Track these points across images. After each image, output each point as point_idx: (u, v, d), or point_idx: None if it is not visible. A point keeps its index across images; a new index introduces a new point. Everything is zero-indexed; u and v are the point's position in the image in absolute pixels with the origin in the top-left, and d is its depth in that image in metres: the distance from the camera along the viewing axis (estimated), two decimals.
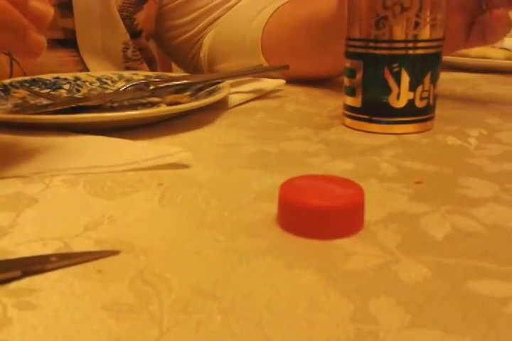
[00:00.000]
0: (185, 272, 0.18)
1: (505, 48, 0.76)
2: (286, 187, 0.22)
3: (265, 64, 0.57)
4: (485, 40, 0.48)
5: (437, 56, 0.37)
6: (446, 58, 0.70)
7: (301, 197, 0.21)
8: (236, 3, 0.67)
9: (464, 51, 0.70)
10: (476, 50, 0.69)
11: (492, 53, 0.69)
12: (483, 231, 0.21)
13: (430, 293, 0.17)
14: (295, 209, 0.21)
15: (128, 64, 0.64)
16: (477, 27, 0.48)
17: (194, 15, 0.67)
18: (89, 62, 0.59)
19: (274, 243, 0.21)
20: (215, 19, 0.67)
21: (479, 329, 0.15)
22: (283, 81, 0.53)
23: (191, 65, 0.71)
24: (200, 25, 0.67)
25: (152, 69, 0.71)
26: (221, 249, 0.20)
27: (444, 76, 0.66)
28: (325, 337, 0.15)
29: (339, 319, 0.16)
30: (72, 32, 0.57)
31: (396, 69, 0.36)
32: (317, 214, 0.20)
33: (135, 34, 0.64)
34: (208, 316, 0.16)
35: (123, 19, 0.60)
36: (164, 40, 0.72)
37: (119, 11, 0.59)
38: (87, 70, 0.59)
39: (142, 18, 0.63)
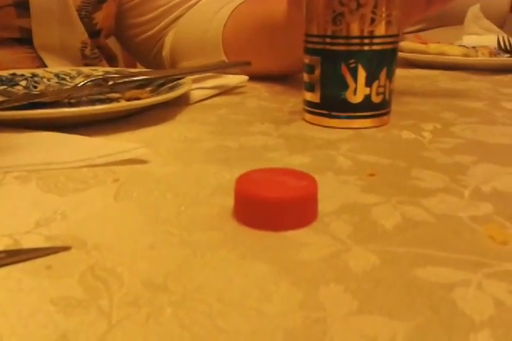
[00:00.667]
0: (137, 266, 0.18)
1: (464, 46, 0.78)
2: (242, 180, 0.22)
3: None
4: (446, 1, 0.48)
5: (393, 52, 0.38)
6: (406, 55, 0.71)
7: (255, 190, 0.21)
8: (197, 2, 0.67)
9: (422, 48, 0.72)
10: (434, 47, 0.71)
11: (451, 50, 0.70)
12: (432, 221, 0.22)
13: (378, 280, 0.17)
14: (249, 202, 0.21)
15: (86, 61, 0.63)
16: None
17: (155, 13, 0.66)
18: (47, 60, 0.58)
19: (229, 236, 0.21)
20: (177, 18, 0.66)
21: (424, 315, 0.16)
22: (246, 77, 0.53)
23: (154, 63, 0.71)
24: (161, 24, 0.66)
25: (113, 66, 0.70)
26: (175, 243, 0.20)
27: (404, 72, 0.67)
28: (274, 326, 0.15)
29: (288, 307, 0.16)
30: (29, 31, 0.56)
31: (353, 65, 0.37)
32: (270, 206, 0.20)
33: (94, 33, 0.63)
34: (159, 309, 0.16)
35: (81, 18, 0.59)
36: (125, 38, 0.71)
37: (77, 10, 0.58)
38: (45, 67, 0.58)
39: (101, 17, 0.62)
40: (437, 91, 0.54)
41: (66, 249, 0.19)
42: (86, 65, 0.63)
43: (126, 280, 0.17)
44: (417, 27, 1.05)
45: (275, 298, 0.16)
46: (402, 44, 0.74)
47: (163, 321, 0.15)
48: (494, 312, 0.16)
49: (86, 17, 0.60)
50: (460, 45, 0.77)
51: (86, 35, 0.61)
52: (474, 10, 0.99)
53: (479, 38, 0.97)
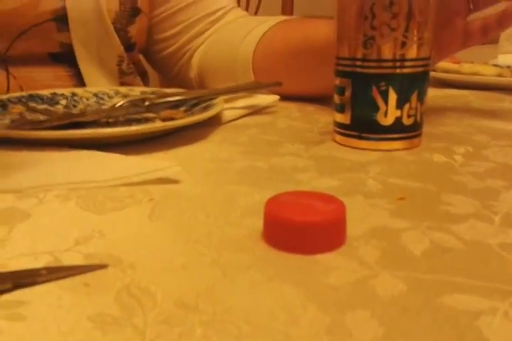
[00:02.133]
0: (169, 286, 0.19)
1: (498, 65, 0.77)
2: (272, 203, 0.23)
3: None
4: (487, 35, 0.49)
5: (424, 74, 0.38)
6: (439, 75, 0.71)
7: (285, 213, 0.22)
8: (221, 17, 0.68)
9: (455, 68, 0.71)
10: (467, 67, 0.70)
11: (484, 70, 0.70)
12: (461, 247, 0.22)
13: (404, 306, 0.18)
14: (278, 225, 0.22)
15: (123, 79, 0.65)
16: (472, 26, 0.49)
17: (177, 28, 0.68)
18: (86, 76, 0.60)
19: (258, 257, 0.21)
20: (200, 33, 0.68)
21: None
22: (277, 97, 0.54)
23: (176, 80, 0.72)
24: (183, 39, 0.68)
25: (145, 83, 0.72)
26: (206, 263, 0.21)
27: (436, 92, 0.67)
28: None
29: (315, 331, 0.16)
30: (69, 46, 0.59)
31: (383, 88, 0.37)
32: (299, 229, 0.21)
33: (129, 47, 0.66)
34: (190, 328, 0.16)
35: (116, 31, 0.61)
36: (150, 54, 0.73)
37: (112, 23, 0.60)
38: (81, 84, 0.60)
39: (135, 30, 0.65)
40: (470, 113, 0.54)
41: (103, 267, 0.20)
42: (122, 83, 0.65)
43: (159, 299, 0.18)
44: None
45: (302, 321, 0.17)
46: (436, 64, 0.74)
47: (194, 340, 0.16)
48: None
49: (121, 30, 0.62)
50: (494, 65, 0.77)
51: (122, 49, 0.63)
52: (509, 29, 0.98)
53: None
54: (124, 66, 0.65)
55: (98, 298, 0.18)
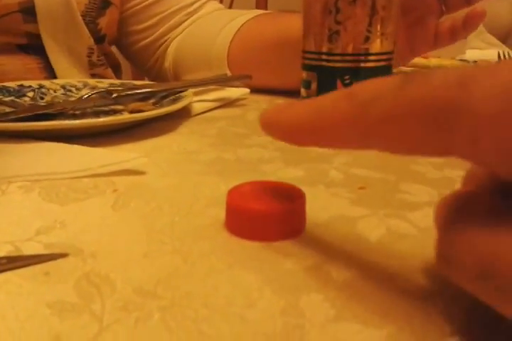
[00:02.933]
0: (129, 273, 0.19)
1: (465, 60, 0.79)
2: (233, 192, 0.23)
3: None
4: (455, 37, 0.51)
5: (388, 68, 0.39)
6: (406, 70, 0.72)
7: (245, 202, 0.22)
8: (197, 10, 0.68)
9: (423, 62, 0.73)
10: (434, 62, 0.72)
11: (450, 65, 0.72)
12: (416, 234, 0.23)
13: (356, 290, 0.18)
14: (239, 213, 0.22)
15: (93, 70, 0.64)
16: (442, 28, 0.50)
17: (154, 20, 0.68)
18: (57, 67, 0.60)
19: (219, 245, 0.22)
20: (176, 25, 0.68)
21: (397, 324, 0.17)
22: (247, 90, 0.54)
23: (153, 71, 0.72)
24: (159, 31, 0.68)
25: (117, 75, 0.72)
26: (167, 252, 0.21)
27: None
28: (255, 331, 0.16)
29: (270, 314, 0.17)
30: (37, 36, 0.58)
31: (348, 81, 0.38)
32: (258, 217, 0.21)
33: (99, 39, 0.65)
34: (147, 314, 0.17)
35: (86, 24, 0.61)
36: (125, 46, 0.73)
37: (82, 15, 0.60)
38: (52, 77, 0.60)
39: (105, 23, 0.64)
40: None
41: (63, 256, 0.20)
42: (93, 74, 0.65)
43: (118, 286, 0.18)
44: None
45: (258, 304, 0.17)
46: None
47: (151, 325, 0.16)
48: (466, 322, 0.16)
49: (91, 22, 0.62)
50: (462, 60, 0.79)
51: (92, 40, 0.63)
52: (473, 31, 1.00)
53: (482, 52, 0.98)
54: (94, 58, 0.64)
55: (57, 285, 0.18)
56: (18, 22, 0.56)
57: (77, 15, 0.59)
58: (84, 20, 0.61)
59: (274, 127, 0.19)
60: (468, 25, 0.50)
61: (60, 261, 0.20)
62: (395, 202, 0.27)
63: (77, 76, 0.62)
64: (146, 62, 0.72)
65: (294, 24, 0.53)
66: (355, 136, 0.16)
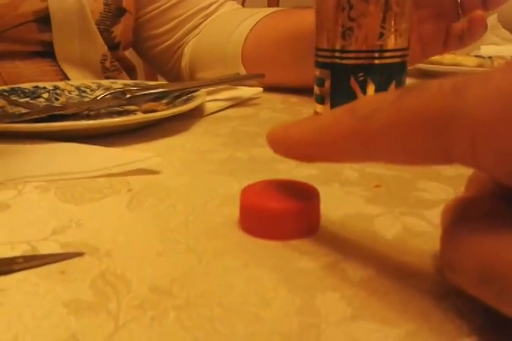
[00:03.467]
0: (145, 272, 0.19)
1: (480, 56, 0.78)
2: (247, 190, 0.23)
3: (244, 73, 0.59)
4: (463, 43, 0.51)
5: (402, 65, 0.39)
6: (420, 66, 0.72)
7: (259, 200, 0.22)
8: (214, 11, 0.68)
9: (437, 59, 0.72)
10: (449, 58, 0.71)
11: (465, 61, 0.71)
12: (432, 231, 0.23)
13: (373, 288, 0.18)
14: (253, 212, 0.22)
15: (107, 74, 0.65)
16: (454, 32, 0.50)
17: (171, 24, 0.68)
18: (69, 73, 0.60)
19: (233, 244, 0.22)
20: (194, 27, 0.68)
21: (415, 322, 0.16)
22: (260, 89, 0.54)
23: (172, 73, 0.72)
24: (178, 34, 0.68)
25: (132, 78, 0.72)
26: (182, 251, 0.21)
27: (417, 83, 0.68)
28: (270, 329, 0.16)
29: (285, 313, 0.17)
30: (51, 44, 0.58)
31: (361, 79, 0.37)
32: (273, 216, 0.21)
33: (113, 46, 0.65)
34: (163, 312, 0.17)
35: (100, 32, 0.61)
36: (143, 50, 0.73)
37: (96, 24, 0.60)
38: (67, 79, 0.60)
39: (120, 30, 0.65)
40: None
41: (79, 255, 0.20)
42: (107, 77, 0.65)
43: (134, 285, 0.18)
44: None
45: (273, 303, 0.17)
46: None
47: (167, 324, 0.16)
48: (485, 321, 0.16)
49: (105, 31, 0.62)
50: (476, 55, 0.78)
51: (106, 48, 0.63)
52: (491, 19, 0.99)
53: (497, 48, 0.96)
54: (108, 64, 0.64)
55: (73, 284, 0.18)
56: (33, 31, 0.57)
57: (91, 23, 0.60)
58: (98, 28, 0.61)
59: (280, 144, 0.20)
60: (473, 30, 0.49)
61: (75, 260, 0.20)
62: (410, 200, 0.26)
63: (90, 79, 0.62)
64: (165, 65, 0.72)
65: (308, 18, 0.53)
66: (357, 149, 0.16)
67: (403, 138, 0.15)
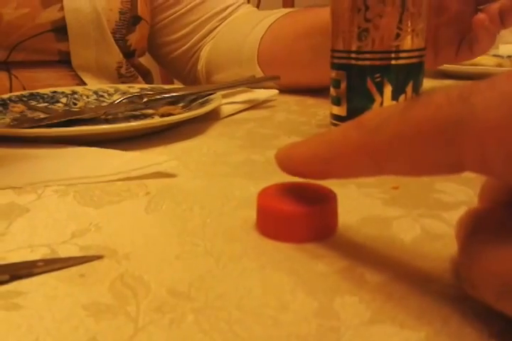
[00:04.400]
0: (163, 275, 0.19)
1: (498, 55, 0.77)
2: (264, 193, 0.23)
3: (261, 75, 0.59)
4: (473, 53, 0.50)
5: (419, 65, 0.38)
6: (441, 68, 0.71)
7: (276, 203, 0.22)
8: (230, 14, 0.69)
9: None
10: None
11: (483, 60, 0.70)
12: (452, 234, 0.22)
13: (392, 292, 0.18)
14: (270, 214, 0.22)
15: (122, 79, 0.65)
16: (466, 41, 0.50)
17: (187, 29, 0.68)
18: (86, 79, 0.61)
19: (251, 247, 0.22)
20: (210, 31, 0.68)
21: (434, 326, 0.16)
22: (275, 91, 0.54)
23: (189, 78, 0.73)
24: (194, 39, 0.68)
25: (148, 83, 0.73)
26: (199, 253, 0.21)
27: (435, 83, 0.67)
28: (288, 333, 0.16)
29: (303, 316, 0.17)
30: (68, 54, 0.59)
31: (378, 80, 0.37)
32: (289, 218, 0.21)
33: (128, 54, 0.66)
34: (181, 315, 0.17)
35: (116, 41, 0.62)
36: (160, 56, 0.73)
37: (112, 33, 0.61)
38: (84, 84, 0.61)
39: (135, 38, 0.65)
40: None
41: (99, 258, 0.21)
42: (123, 82, 0.66)
43: (152, 287, 0.18)
44: None
45: (291, 306, 0.17)
46: None
47: (185, 327, 0.16)
48: (506, 325, 0.16)
49: (120, 39, 0.63)
50: (495, 55, 0.77)
51: (121, 56, 0.64)
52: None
53: None
54: (123, 70, 0.65)
55: (93, 287, 0.19)
56: (51, 41, 0.57)
57: (107, 33, 0.60)
58: (114, 37, 0.61)
59: (289, 163, 0.20)
60: (479, 42, 0.49)
61: (95, 263, 0.20)
62: (429, 202, 0.26)
63: (106, 84, 0.63)
64: (181, 70, 0.72)
65: (326, 14, 0.53)
66: (367, 163, 0.16)
67: (412, 150, 0.14)
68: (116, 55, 0.63)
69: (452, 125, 0.13)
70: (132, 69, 0.67)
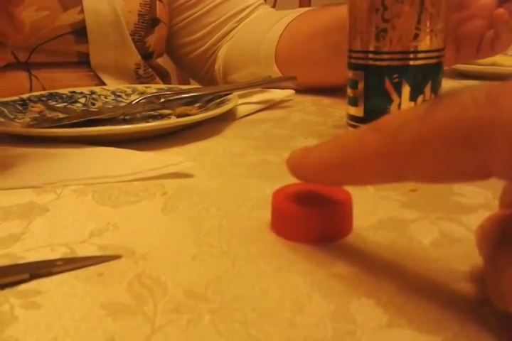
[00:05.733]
0: (180, 275, 0.20)
1: None
2: (279, 193, 0.23)
3: (277, 74, 0.59)
4: (494, 50, 0.50)
5: (438, 66, 0.38)
6: (456, 66, 0.70)
7: (291, 204, 0.22)
8: (248, 15, 0.69)
9: None
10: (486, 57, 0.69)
11: (502, 61, 0.69)
12: (470, 238, 0.22)
13: (410, 295, 0.18)
14: (285, 215, 0.22)
15: (141, 80, 0.66)
16: (487, 38, 0.49)
17: (205, 31, 0.69)
18: (105, 79, 0.61)
19: (266, 248, 0.22)
20: (228, 32, 0.68)
21: (452, 330, 0.16)
22: (292, 91, 0.54)
23: (206, 78, 0.73)
24: (212, 40, 0.69)
25: (166, 83, 0.73)
26: (215, 254, 0.21)
27: (453, 83, 0.66)
28: (304, 336, 0.16)
29: (319, 319, 0.17)
30: (87, 55, 0.60)
31: (396, 80, 0.37)
32: (305, 219, 0.21)
33: (147, 55, 0.67)
34: (198, 316, 0.17)
35: (134, 42, 0.62)
36: (178, 57, 0.74)
37: (130, 35, 0.61)
38: (103, 84, 0.61)
39: (153, 40, 0.66)
40: None
41: (117, 257, 0.21)
42: (141, 83, 0.66)
43: (169, 288, 0.19)
44: None
45: (307, 309, 0.17)
46: None
47: (202, 328, 0.16)
48: None
49: (139, 41, 0.63)
50: None
51: (139, 58, 0.64)
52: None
53: None
54: (141, 71, 0.66)
55: (111, 287, 0.19)
56: (70, 43, 0.58)
57: (126, 35, 0.61)
58: (132, 39, 0.62)
59: (302, 169, 0.19)
60: (499, 36, 0.48)
61: (113, 262, 0.21)
62: (448, 205, 0.26)
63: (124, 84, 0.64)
64: (199, 71, 0.73)
65: (342, 12, 0.52)
66: (386, 168, 0.15)
67: (436, 154, 0.14)
68: (134, 57, 0.63)
69: (479, 128, 0.13)
70: (150, 70, 0.68)
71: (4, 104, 0.46)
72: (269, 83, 0.53)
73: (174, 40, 0.71)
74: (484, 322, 0.16)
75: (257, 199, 0.27)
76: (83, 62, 0.60)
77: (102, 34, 0.59)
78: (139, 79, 0.66)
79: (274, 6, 1.77)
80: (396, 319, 0.17)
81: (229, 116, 0.46)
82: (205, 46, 0.70)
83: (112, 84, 0.61)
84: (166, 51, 0.73)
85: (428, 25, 0.36)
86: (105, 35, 0.59)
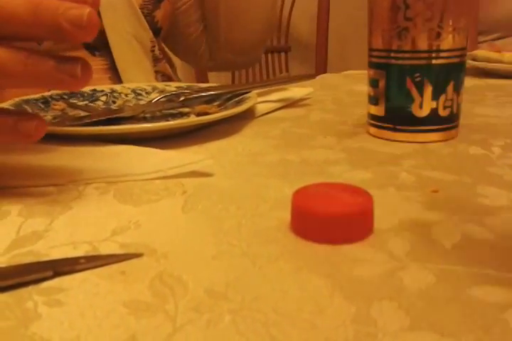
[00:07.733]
0: (200, 275, 0.20)
1: None
2: (299, 194, 0.23)
3: None
4: None
5: (460, 65, 0.38)
6: (479, 64, 0.69)
7: (311, 204, 0.22)
8: None
9: (496, 57, 0.69)
10: (508, 56, 0.68)
11: None
12: (493, 240, 0.22)
13: (432, 298, 0.18)
14: (305, 216, 0.22)
15: (156, 67, 0.68)
16: None
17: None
18: (121, 65, 0.63)
19: (286, 248, 0.22)
20: None
21: (475, 334, 0.16)
22: (311, 89, 0.54)
23: (205, 55, 0.77)
24: None
25: (172, 70, 0.76)
26: (236, 254, 0.21)
27: (476, 82, 0.65)
28: (324, 338, 0.16)
29: (340, 321, 0.17)
30: (101, 33, 0.61)
31: (418, 79, 0.36)
32: (324, 220, 0.21)
33: (156, 31, 0.70)
34: (218, 315, 0.17)
35: (144, 16, 0.64)
36: (180, 41, 0.77)
37: (140, 8, 0.63)
38: (116, 77, 0.62)
39: (161, 15, 0.68)
40: (511, 103, 0.52)
41: (138, 256, 0.21)
42: (156, 71, 0.68)
43: (190, 287, 0.19)
44: (492, 36, 1.01)
45: (328, 311, 0.17)
46: (476, 52, 0.72)
47: (222, 327, 0.16)
48: None
49: (148, 15, 0.66)
50: None
51: (151, 33, 0.66)
52: None
53: None
54: (156, 51, 0.68)
55: (133, 285, 0.19)
56: None
57: (136, 7, 0.63)
58: (142, 12, 0.64)
59: None
60: None
61: (135, 260, 0.21)
62: (470, 206, 0.25)
63: (140, 73, 0.65)
64: (197, 51, 0.76)
65: None
66: None
67: None
68: (147, 31, 0.66)
69: None
70: (160, 52, 0.70)
71: (27, 101, 0.46)
72: (287, 82, 0.53)
73: (179, 22, 0.74)
74: (508, 326, 0.16)
75: (276, 199, 0.27)
76: (98, 48, 0.61)
77: (112, 7, 0.60)
78: (156, 65, 0.68)
79: (292, 5, 1.76)
80: (418, 322, 0.16)
81: (248, 115, 0.46)
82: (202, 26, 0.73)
83: (128, 72, 0.62)
84: (169, 40, 0.76)
85: (451, 23, 0.36)
86: (115, 8, 0.61)
